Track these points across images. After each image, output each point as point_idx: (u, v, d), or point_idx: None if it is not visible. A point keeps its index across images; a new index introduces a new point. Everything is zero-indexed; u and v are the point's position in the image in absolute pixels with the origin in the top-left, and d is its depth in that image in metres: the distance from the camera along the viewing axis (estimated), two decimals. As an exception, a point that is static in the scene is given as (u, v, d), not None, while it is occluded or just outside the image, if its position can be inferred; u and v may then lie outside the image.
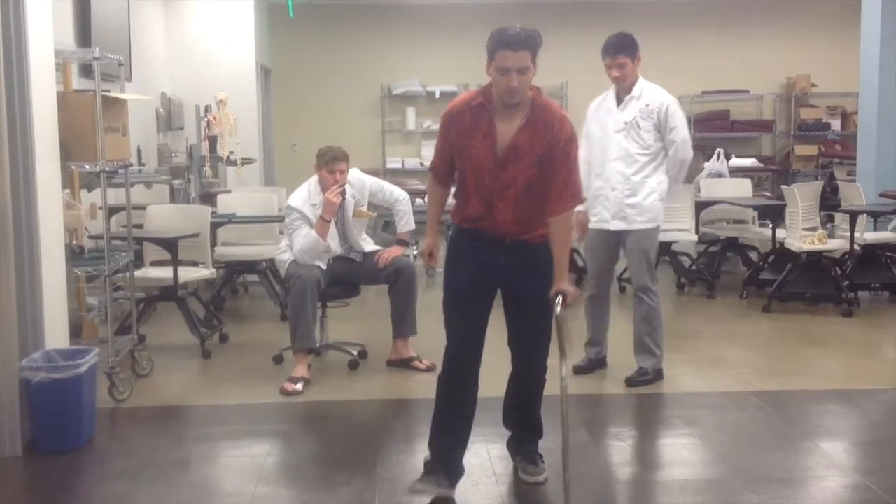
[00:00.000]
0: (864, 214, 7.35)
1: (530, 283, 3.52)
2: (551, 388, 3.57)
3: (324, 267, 5.34)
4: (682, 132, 4.98)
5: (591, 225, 5.08)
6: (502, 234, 3.49)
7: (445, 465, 3.57)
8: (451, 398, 3.58)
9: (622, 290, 7.45)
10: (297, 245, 5.28)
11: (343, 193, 5.31)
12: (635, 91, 4.96)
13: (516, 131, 3.41)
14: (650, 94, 4.97)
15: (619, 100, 5.01)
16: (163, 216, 6.34)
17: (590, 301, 5.25)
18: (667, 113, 4.93)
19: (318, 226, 5.27)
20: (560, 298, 3.41)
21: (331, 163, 5.27)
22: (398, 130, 12.90)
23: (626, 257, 5.16)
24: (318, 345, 5.40)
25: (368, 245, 5.62)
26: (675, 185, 5.12)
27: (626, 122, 4.95)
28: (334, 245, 5.41)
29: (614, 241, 5.09)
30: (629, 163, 4.96)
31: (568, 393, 3.31)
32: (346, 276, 5.49)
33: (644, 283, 5.05)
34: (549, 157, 3.42)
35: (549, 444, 3.81)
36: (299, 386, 5.01)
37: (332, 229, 5.35)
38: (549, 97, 3.53)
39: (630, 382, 5.05)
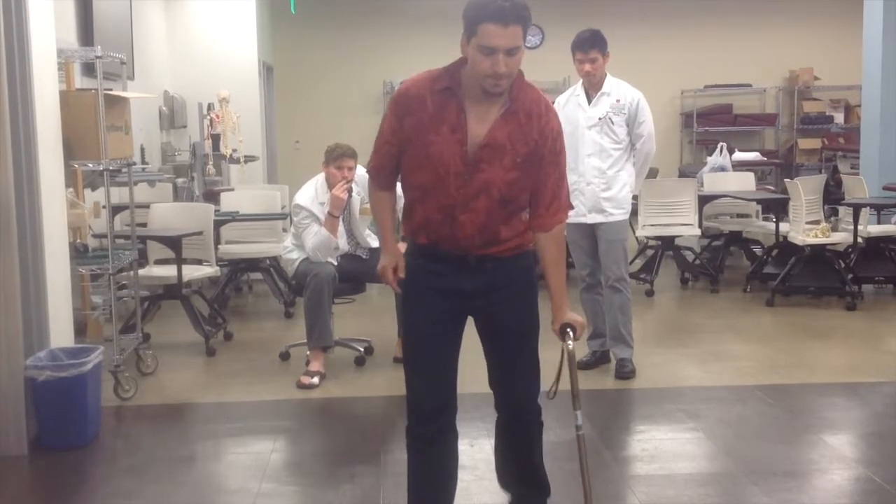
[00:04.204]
0: (868, 207, 7.35)
1: (507, 309, 2.86)
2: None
3: (335, 264, 5.37)
4: (649, 126, 5.14)
5: (568, 220, 5.14)
6: (463, 249, 2.78)
7: None
8: (426, 470, 2.92)
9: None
10: (310, 244, 5.28)
11: (349, 190, 5.33)
12: (606, 87, 5.08)
13: (493, 124, 2.70)
14: (620, 89, 5.10)
15: (589, 96, 5.11)
16: (166, 214, 6.35)
17: (586, 292, 5.32)
18: (637, 107, 5.07)
19: (326, 223, 5.28)
20: (570, 332, 2.85)
21: (339, 159, 5.29)
22: (401, 127, 12.87)
23: (599, 249, 5.20)
24: (333, 341, 5.42)
25: (374, 241, 5.63)
26: (639, 177, 5.29)
27: (599, 118, 5.05)
28: (342, 242, 5.43)
29: (591, 232, 5.20)
30: (604, 157, 5.09)
31: (586, 447, 2.85)
32: (353, 274, 5.50)
33: (620, 273, 5.16)
34: (535, 158, 2.74)
35: (556, 437, 3.76)
36: (316, 380, 5.09)
37: (340, 227, 5.37)
38: (530, 81, 2.81)
39: (620, 376, 5.12)
